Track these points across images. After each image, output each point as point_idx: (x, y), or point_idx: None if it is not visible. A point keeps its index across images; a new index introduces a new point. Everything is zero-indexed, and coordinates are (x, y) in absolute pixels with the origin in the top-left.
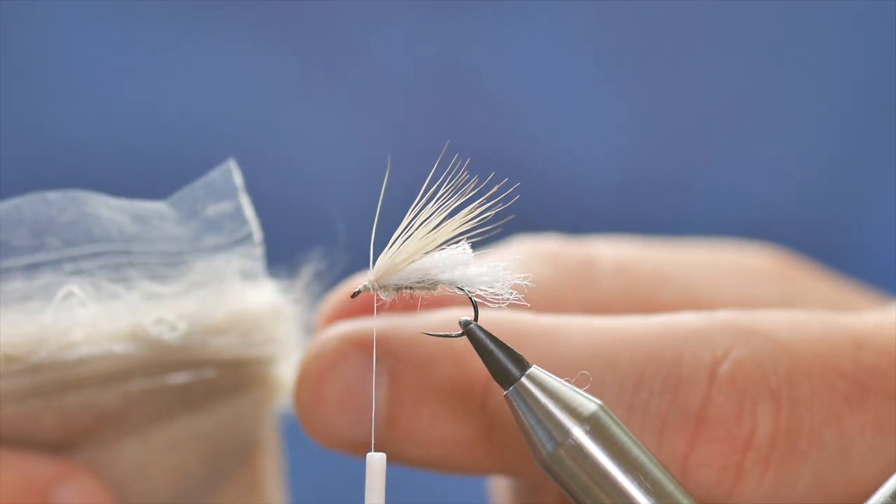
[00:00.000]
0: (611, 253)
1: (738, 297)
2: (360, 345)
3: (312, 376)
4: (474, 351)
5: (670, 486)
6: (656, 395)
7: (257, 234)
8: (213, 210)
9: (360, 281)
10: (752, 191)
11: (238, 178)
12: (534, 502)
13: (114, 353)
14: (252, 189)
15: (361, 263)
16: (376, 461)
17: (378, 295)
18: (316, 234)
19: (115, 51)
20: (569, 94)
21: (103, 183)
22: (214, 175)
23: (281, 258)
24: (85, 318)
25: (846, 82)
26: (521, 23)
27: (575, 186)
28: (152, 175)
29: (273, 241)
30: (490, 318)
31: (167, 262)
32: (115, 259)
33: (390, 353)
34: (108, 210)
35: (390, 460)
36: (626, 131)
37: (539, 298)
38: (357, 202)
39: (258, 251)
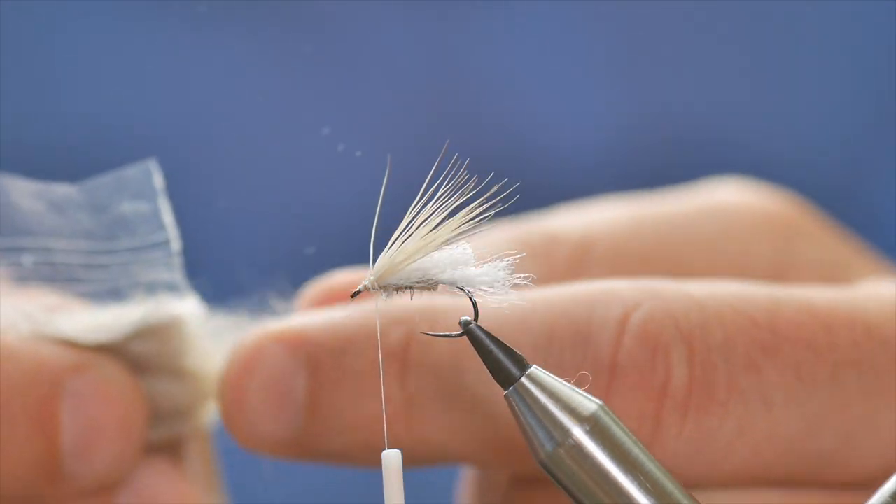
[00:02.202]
0: (604, 233)
1: (730, 263)
2: (279, 339)
3: (234, 373)
4: (392, 326)
5: (670, 486)
6: (568, 349)
7: (175, 243)
8: (128, 207)
9: (360, 281)
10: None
11: (159, 180)
12: (486, 480)
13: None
14: (251, 189)
15: (361, 263)
16: (392, 459)
17: (378, 295)
18: (316, 235)
19: (111, 48)
20: (569, 94)
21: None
22: (132, 171)
23: (281, 258)
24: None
25: (850, 59)
26: (522, 21)
27: (575, 186)
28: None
29: (273, 241)
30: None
31: (85, 264)
32: (37, 256)
33: (307, 340)
34: (27, 198)
35: (312, 456)
36: (626, 130)
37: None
38: (357, 202)
39: (176, 261)
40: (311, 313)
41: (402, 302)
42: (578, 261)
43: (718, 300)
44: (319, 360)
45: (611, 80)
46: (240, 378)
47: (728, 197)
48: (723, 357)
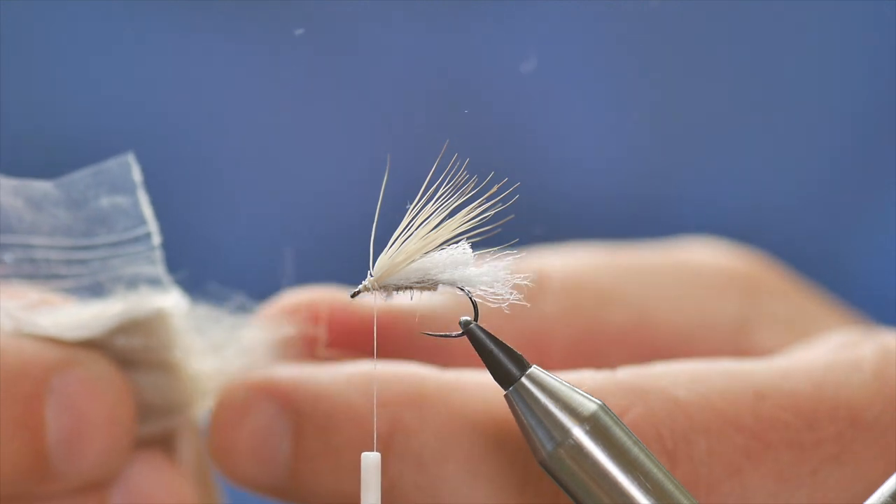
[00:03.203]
0: (561, 270)
1: (693, 315)
2: (270, 395)
3: (223, 426)
4: (371, 409)
5: (670, 486)
6: None
7: (156, 237)
8: (106, 202)
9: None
10: (755, 200)
11: (137, 174)
12: None
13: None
14: (251, 190)
15: (361, 264)
16: (371, 461)
17: (377, 295)
18: (315, 235)
19: (112, 49)
20: (568, 95)
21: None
22: (109, 165)
23: (279, 258)
24: None
25: (845, 93)
26: (521, 25)
27: (574, 186)
28: (151, 176)
29: (273, 241)
30: (393, 373)
31: (66, 260)
32: (17, 252)
33: (294, 408)
34: (6, 195)
35: (298, 502)
36: (625, 135)
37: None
38: (357, 202)
39: (157, 254)
40: (302, 368)
41: (387, 382)
42: (532, 292)
43: (703, 404)
44: (304, 429)
45: (611, 81)
46: (228, 426)
47: (693, 254)
48: (706, 466)
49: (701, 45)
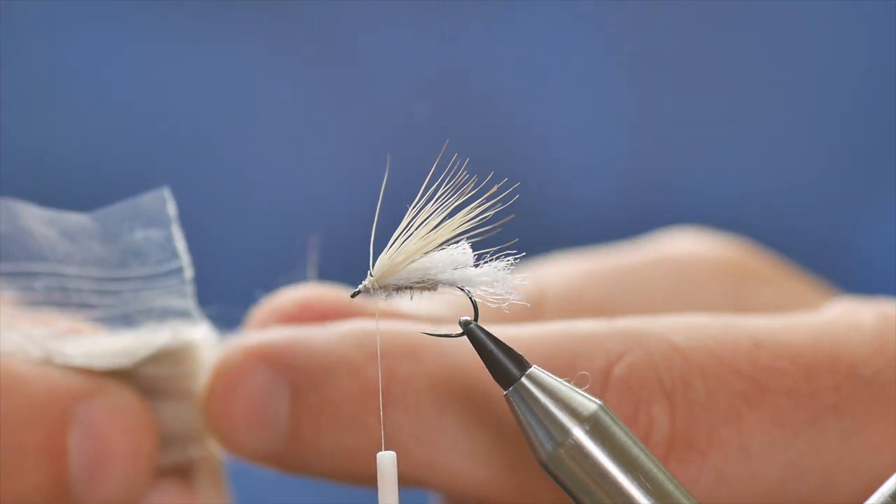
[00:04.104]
0: (556, 285)
1: (686, 312)
2: (265, 358)
3: (219, 392)
4: (370, 361)
5: (670, 486)
6: None
7: (188, 271)
8: (140, 235)
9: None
10: (753, 196)
11: (172, 208)
12: None
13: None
14: (251, 191)
15: (360, 264)
16: (387, 460)
17: (377, 295)
18: (315, 235)
19: (111, 55)
20: (567, 95)
21: (98, 187)
22: (146, 199)
23: (279, 259)
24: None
25: (845, 90)
26: (522, 22)
27: (573, 186)
28: (150, 177)
29: (272, 241)
30: (388, 328)
31: (97, 290)
32: (49, 281)
33: (290, 366)
34: (40, 224)
35: (294, 471)
36: (625, 133)
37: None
38: (357, 202)
39: (189, 289)
40: (296, 329)
41: (383, 330)
42: (531, 312)
43: (701, 349)
44: (301, 387)
45: (611, 81)
46: (224, 393)
47: (681, 247)
48: (704, 409)
49: (700, 44)
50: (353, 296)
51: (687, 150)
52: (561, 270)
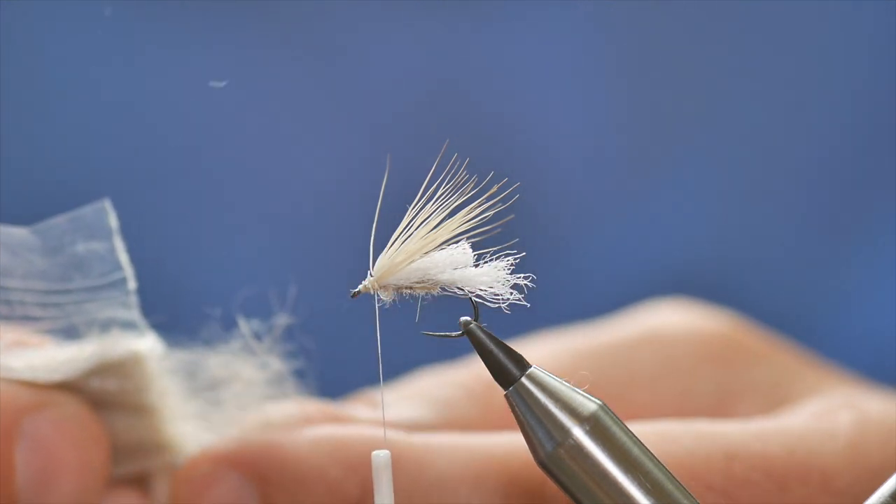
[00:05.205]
0: (546, 363)
1: (673, 392)
2: (232, 464)
3: (184, 500)
4: (349, 475)
5: (670, 486)
6: None
7: (131, 282)
8: (82, 247)
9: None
10: (751, 195)
11: (113, 220)
12: None
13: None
14: (251, 193)
15: (361, 264)
16: (381, 459)
17: (378, 295)
18: (315, 235)
19: (108, 55)
20: (566, 96)
21: (98, 188)
22: (86, 211)
23: (279, 259)
24: None
25: (843, 100)
26: (522, 22)
27: (574, 187)
28: (149, 179)
29: (273, 242)
30: (359, 435)
31: (40, 303)
32: None
33: (262, 478)
34: None
35: None
36: (622, 135)
37: (448, 424)
38: (357, 202)
39: (132, 299)
40: (263, 435)
41: (355, 445)
42: None
43: (673, 465)
44: (273, 497)
45: (611, 81)
46: (192, 500)
47: (666, 321)
48: None
49: (701, 48)
50: (353, 296)
51: (688, 149)
52: (548, 349)
